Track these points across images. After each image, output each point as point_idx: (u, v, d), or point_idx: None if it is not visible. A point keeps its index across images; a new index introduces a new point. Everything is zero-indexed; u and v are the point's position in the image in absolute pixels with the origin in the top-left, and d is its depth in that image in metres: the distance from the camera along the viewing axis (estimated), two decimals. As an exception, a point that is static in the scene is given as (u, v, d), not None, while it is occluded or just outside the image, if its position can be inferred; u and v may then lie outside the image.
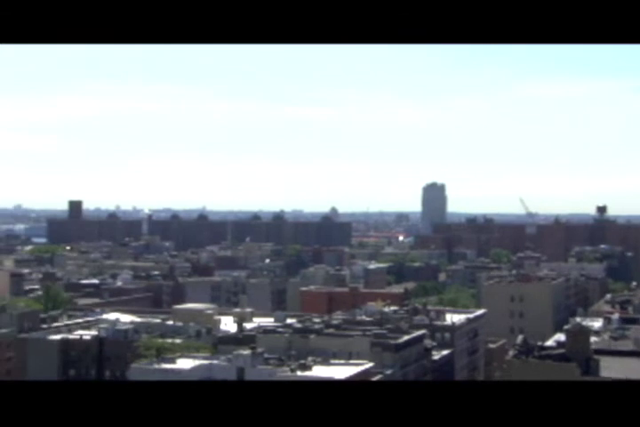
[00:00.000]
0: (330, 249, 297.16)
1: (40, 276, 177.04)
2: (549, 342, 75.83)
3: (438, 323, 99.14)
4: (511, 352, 68.60)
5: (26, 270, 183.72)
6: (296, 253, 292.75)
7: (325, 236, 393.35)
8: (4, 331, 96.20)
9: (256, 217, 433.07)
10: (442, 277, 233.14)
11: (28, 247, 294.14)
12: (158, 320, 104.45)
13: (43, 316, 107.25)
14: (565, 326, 77.99)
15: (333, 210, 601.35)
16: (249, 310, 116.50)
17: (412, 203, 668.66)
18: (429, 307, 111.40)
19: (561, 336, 76.56)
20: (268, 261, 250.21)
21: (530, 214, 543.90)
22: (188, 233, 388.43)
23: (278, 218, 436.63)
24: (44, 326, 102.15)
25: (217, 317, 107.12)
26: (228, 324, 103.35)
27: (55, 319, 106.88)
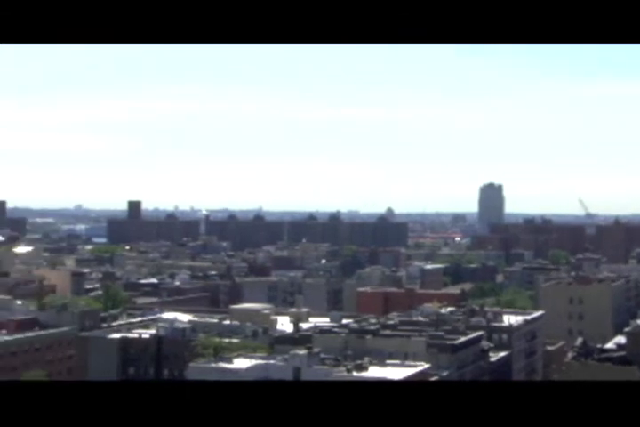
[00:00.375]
0: (386, 250, 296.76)
1: (100, 275, 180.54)
2: (609, 345, 74.80)
3: (495, 324, 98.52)
4: (570, 354, 67.91)
5: (86, 270, 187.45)
6: (352, 253, 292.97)
7: (381, 236, 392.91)
8: (65, 329, 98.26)
9: (312, 217, 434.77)
10: (499, 278, 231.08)
11: (89, 247, 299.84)
12: (215, 320, 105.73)
13: (103, 315, 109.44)
14: (626, 329, 76.82)
15: (389, 210, 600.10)
16: (305, 310, 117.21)
17: (468, 203, 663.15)
18: (486, 308, 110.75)
19: (621, 339, 75.44)
20: (324, 261, 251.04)
21: (589, 215, 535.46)
22: (245, 233, 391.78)
23: (334, 218, 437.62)
24: (104, 324, 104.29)
25: (273, 317, 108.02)
26: (284, 324, 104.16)
27: (115, 318, 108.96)
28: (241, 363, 68.56)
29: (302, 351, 68.65)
